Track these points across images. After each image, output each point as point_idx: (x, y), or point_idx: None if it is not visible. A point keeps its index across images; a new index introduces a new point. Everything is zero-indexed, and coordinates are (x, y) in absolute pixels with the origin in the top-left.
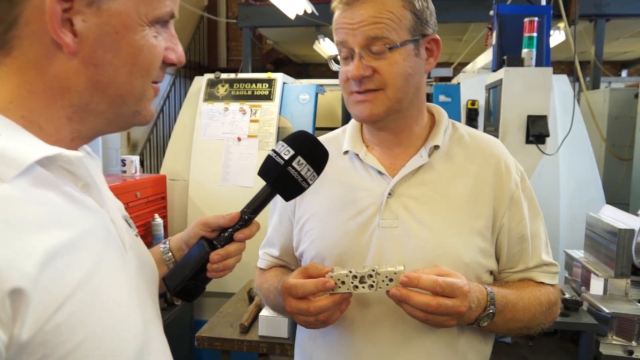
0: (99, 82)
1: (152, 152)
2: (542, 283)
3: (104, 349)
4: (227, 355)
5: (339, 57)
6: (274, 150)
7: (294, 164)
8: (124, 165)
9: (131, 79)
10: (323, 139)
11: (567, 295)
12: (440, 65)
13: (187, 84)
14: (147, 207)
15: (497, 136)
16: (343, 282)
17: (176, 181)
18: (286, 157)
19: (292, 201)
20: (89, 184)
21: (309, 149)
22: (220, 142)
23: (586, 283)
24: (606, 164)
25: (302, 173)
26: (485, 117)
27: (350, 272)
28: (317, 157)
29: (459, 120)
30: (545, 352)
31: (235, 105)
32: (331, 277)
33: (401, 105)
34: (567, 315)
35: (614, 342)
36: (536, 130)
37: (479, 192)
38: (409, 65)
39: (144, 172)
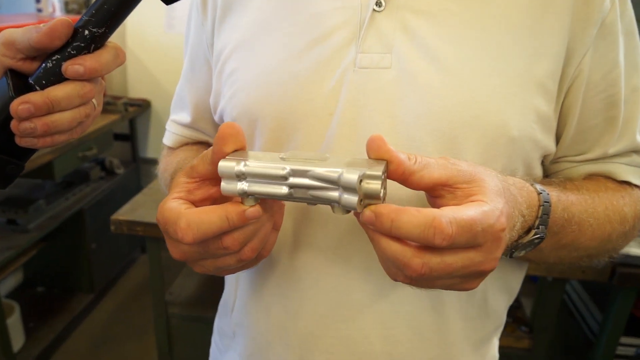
0: None
1: None
2: (629, 183)
3: None
4: (155, 245)
5: None
6: None
7: None
8: (39, 1)
9: None
10: None
11: None
12: None
13: None
14: None
15: None
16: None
17: None
18: None
19: (209, 26)
20: None
21: None
22: None
23: None
24: None
25: None
26: None
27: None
28: None
29: None
30: None
31: None
32: (245, 201)
33: None
34: None
35: None
36: None
37: (545, 8)
38: None
39: None
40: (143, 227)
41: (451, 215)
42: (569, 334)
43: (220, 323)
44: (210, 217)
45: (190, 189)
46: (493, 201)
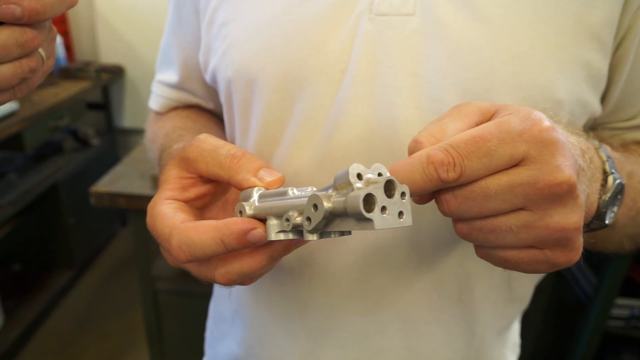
0: None
1: None
2: None
3: None
4: (139, 217)
5: None
6: None
7: None
8: None
9: None
10: None
11: None
12: None
13: None
14: None
15: None
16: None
17: None
18: None
19: None
20: None
21: None
22: None
23: None
24: None
25: None
26: None
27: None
28: None
29: None
30: None
31: None
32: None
33: None
34: None
35: None
36: None
37: None
38: None
39: None
40: (125, 199)
41: (444, 142)
42: (563, 298)
43: (216, 307)
44: (204, 239)
45: (185, 185)
46: (514, 109)
